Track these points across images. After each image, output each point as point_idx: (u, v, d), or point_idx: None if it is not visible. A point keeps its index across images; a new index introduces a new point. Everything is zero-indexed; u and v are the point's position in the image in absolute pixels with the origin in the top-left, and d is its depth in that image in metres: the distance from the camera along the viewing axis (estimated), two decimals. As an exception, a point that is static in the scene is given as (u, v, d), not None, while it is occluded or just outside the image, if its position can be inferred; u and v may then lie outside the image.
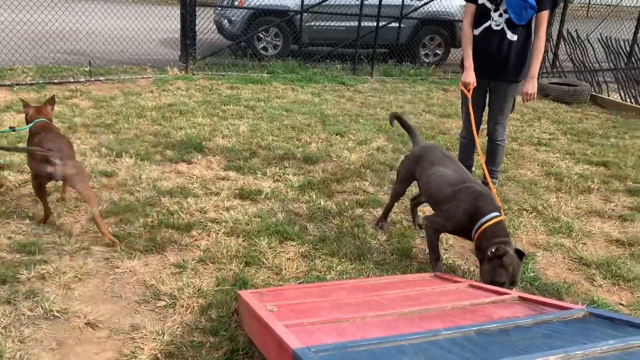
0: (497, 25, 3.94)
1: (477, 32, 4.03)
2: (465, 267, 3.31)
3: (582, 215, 4.24)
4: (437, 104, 7.91)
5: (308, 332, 1.89)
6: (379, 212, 4.01)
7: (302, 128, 6.02)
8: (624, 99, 8.78)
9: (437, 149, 3.44)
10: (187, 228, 3.54)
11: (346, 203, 4.07)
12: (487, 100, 4.28)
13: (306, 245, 3.42)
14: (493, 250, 2.74)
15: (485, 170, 3.80)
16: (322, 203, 4.06)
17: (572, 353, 1.44)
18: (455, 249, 3.56)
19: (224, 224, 3.63)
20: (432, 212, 3.29)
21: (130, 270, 3.06)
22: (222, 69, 9.21)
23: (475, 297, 2.32)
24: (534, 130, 6.72)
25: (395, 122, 4.06)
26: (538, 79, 10.22)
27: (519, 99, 4.34)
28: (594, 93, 9.10)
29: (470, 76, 4.02)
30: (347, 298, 2.43)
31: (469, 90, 4.04)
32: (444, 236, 3.66)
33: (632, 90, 8.60)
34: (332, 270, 3.12)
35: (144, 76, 8.06)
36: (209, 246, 3.35)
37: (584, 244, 3.76)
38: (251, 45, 9.95)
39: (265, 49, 10.20)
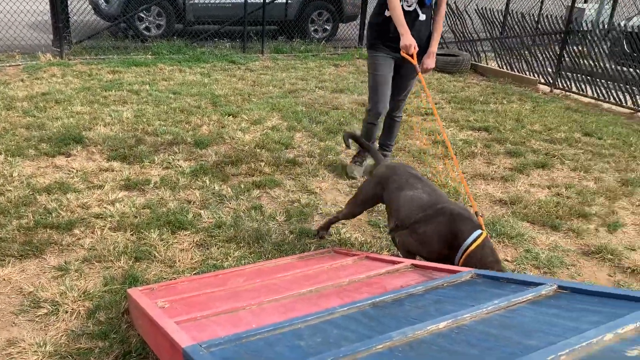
0: (409, 6, 3.83)
1: (388, 14, 3.84)
2: (362, 238, 3.35)
3: (467, 179, 4.45)
4: (329, 80, 7.94)
5: (201, 327, 1.79)
6: (276, 192, 3.95)
7: (191, 111, 5.77)
8: (500, 66, 9.35)
9: (403, 168, 3.06)
10: (68, 226, 3.26)
11: (242, 186, 3.96)
12: (393, 78, 4.07)
13: (201, 233, 3.28)
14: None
15: (465, 186, 3.39)
16: (216, 188, 3.91)
17: (460, 317, 1.47)
18: (352, 222, 3.59)
19: (109, 218, 3.39)
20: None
21: (4, 279, 2.76)
22: (101, 53, 8.60)
23: (372, 269, 2.33)
24: (421, 101, 6.96)
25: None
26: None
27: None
28: (474, 62, 9.60)
29: (410, 38, 3.71)
30: (245, 284, 2.35)
31: (412, 55, 3.72)
32: (335, 211, 3.68)
33: (507, 58, 9.17)
34: (230, 257, 3.02)
35: (12, 64, 7.34)
36: (94, 244, 3.11)
37: (470, 206, 3.95)
38: (132, 26, 9.37)
39: (147, 29, 9.65)
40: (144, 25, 9.59)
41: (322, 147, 4.91)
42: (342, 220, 3.41)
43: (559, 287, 1.64)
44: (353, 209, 3.22)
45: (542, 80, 8.58)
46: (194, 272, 2.87)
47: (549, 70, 8.53)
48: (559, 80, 8.30)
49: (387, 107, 4.13)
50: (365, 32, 4.15)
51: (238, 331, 1.66)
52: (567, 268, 3.16)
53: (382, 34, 3.95)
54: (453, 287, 1.86)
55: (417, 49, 3.72)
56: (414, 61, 3.74)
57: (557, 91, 8.22)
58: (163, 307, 2.11)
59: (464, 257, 2.47)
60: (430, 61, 3.95)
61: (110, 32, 9.30)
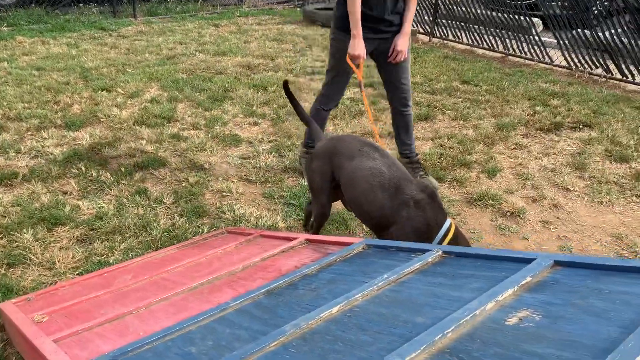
0: None
1: None
2: (257, 213, 3.28)
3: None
4: (210, 42, 7.60)
5: (83, 343, 1.64)
6: (161, 172, 3.74)
7: (59, 88, 5.27)
8: (381, 18, 9.46)
9: (351, 136, 2.71)
10: None
11: (122, 169, 3.70)
12: (383, 68, 3.48)
13: (81, 227, 3.04)
14: None
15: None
16: (94, 174, 3.62)
17: (353, 298, 1.46)
18: (246, 196, 3.49)
19: (-28, 222, 3.03)
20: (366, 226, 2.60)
21: None
22: (-56, 27, 7.58)
23: (266, 249, 2.28)
24: (307, 59, 6.88)
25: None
26: (303, 5, 10.47)
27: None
28: (355, 15, 9.63)
29: (358, 47, 3.15)
30: (133, 282, 2.20)
31: (358, 66, 3.24)
32: (233, 185, 3.57)
33: (387, 10, 9.29)
34: (115, 250, 2.82)
35: None
36: (-44, 254, 2.77)
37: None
38: (-22, -6, 8.32)
39: (-2, -4, 8.63)
40: (-7, -7, 8.56)
41: (208, 118, 4.70)
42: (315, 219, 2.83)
43: (444, 252, 1.69)
44: (318, 207, 2.72)
45: (421, 30, 8.82)
46: (77, 273, 2.65)
47: (427, 19, 8.78)
48: (436, 29, 8.57)
49: (338, 101, 3.62)
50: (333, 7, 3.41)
51: (124, 343, 1.55)
52: (453, 218, 3.32)
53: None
54: (345, 261, 1.86)
55: (364, 58, 3.22)
56: (359, 74, 3.26)
57: (435, 40, 8.50)
58: (41, 322, 1.92)
59: None
60: (401, 42, 3.29)
61: (-47, 2, 8.20)
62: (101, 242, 2.90)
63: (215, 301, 1.77)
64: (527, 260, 1.42)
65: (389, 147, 4.19)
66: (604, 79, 6.44)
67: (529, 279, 1.32)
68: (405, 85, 3.50)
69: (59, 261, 2.73)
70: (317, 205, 2.73)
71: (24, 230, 2.95)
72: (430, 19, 8.59)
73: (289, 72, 6.27)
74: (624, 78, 6.35)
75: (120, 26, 8.49)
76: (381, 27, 3.28)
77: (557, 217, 3.38)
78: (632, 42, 6.19)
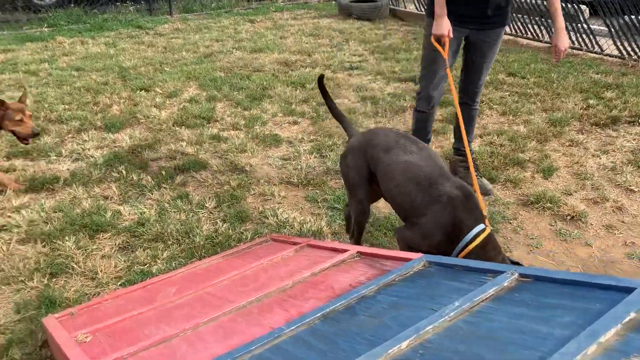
0: None
1: None
2: (301, 218, 3.15)
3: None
4: (246, 39, 7.51)
5: (129, 370, 1.54)
6: (203, 175, 3.65)
7: (98, 89, 5.26)
8: (419, 9, 9.20)
9: (386, 129, 2.59)
10: (-33, 246, 2.85)
11: (163, 172, 3.62)
12: (464, 57, 3.32)
13: (123, 234, 2.97)
14: None
15: (468, 153, 2.79)
16: (134, 178, 3.56)
17: (423, 330, 1.31)
18: (289, 199, 3.37)
19: (15, 230, 3.00)
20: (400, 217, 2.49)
21: None
22: (-13, 29, 7.70)
23: (316, 262, 2.15)
24: (345, 54, 6.71)
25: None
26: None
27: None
28: (392, 6, 9.40)
29: (442, 26, 2.96)
30: (177, 298, 2.10)
31: (443, 45, 3.00)
32: (275, 188, 3.46)
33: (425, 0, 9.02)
34: (158, 259, 2.74)
35: None
36: (0, 263, 2.73)
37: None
38: (19, -5, 8.45)
39: (38, -3, 8.75)
40: (33, -7, 8.67)
41: (248, 117, 4.60)
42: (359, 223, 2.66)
43: (521, 275, 1.52)
44: (356, 204, 2.58)
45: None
46: (120, 283, 2.58)
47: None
48: (477, 19, 8.26)
49: (442, 95, 3.38)
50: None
51: (173, 373, 1.44)
52: (510, 222, 3.12)
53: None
54: (406, 281, 1.71)
55: (450, 37, 2.98)
56: (444, 53, 2.99)
57: (477, 30, 8.20)
58: (84, 342, 1.84)
59: (460, 255, 2.16)
60: (563, 39, 3.00)
61: (-5, 5, 8.34)
62: (143, 250, 2.83)
63: (266, 323, 1.65)
64: (626, 290, 1.24)
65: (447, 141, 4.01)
66: (661, 69, 6.06)
67: (633, 314, 1.15)
68: (482, 81, 3.36)
69: (101, 271, 2.66)
70: (354, 203, 2.59)
71: (66, 237, 2.90)
72: (472, 8, 8.29)
73: (327, 68, 6.11)
74: (684, 67, 5.96)
75: (157, 24, 8.48)
76: (480, 14, 3.09)
77: (622, 221, 3.14)
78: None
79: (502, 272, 1.56)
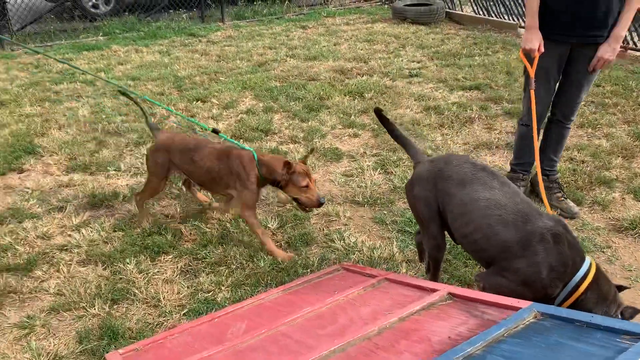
0: None
1: None
2: (370, 242, 2.94)
3: (470, 150, 4.05)
4: (299, 46, 7.36)
5: None
6: (263, 191, 3.49)
7: (155, 99, 5.20)
8: (476, 12, 8.86)
9: (459, 157, 2.28)
10: (28, 266, 2.78)
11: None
12: (564, 70, 3.02)
13: (185, 257, 2.84)
14: (624, 317, 1.93)
15: (538, 167, 2.70)
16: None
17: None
18: (355, 220, 3.17)
19: (76, 250, 2.91)
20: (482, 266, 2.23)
21: (-45, 348, 2.30)
22: (47, 39, 7.84)
23: (401, 303, 1.94)
24: (402, 60, 6.47)
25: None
26: (392, 1, 10.02)
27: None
28: (448, 10, 9.08)
29: (532, 39, 2.80)
30: (249, 337, 1.93)
31: (532, 60, 2.84)
32: (340, 208, 3.26)
33: (483, 2, 8.67)
34: (222, 285, 2.59)
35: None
36: (61, 286, 2.64)
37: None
38: (78, 4, 8.57)
39: (95, 6, 8.88)
40: (90, 2, 8.79)
41: (306, 129, 4.43)
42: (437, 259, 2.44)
43: (670, 342, 1.27)
44: (429, 239, 2.35)
45: (523, 24, 8.12)
46: (184, 312, 2.44)
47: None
48: (540, 22, 7.86)
49: (547, 109, 3.15)
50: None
51: None
52: (603, 252, 2.82)
53: (542, 10, 2.83)
54: (519, 338, 1.47)
55: (541, 52, 2.82)
56: (531, 70, 2.82)
57: (540, 34, 7.80)
58: (152, 388, 1.69)
59: (577, 295, 1.92)
60: (610, 49, 2.78)
61: (55, 14, 8.49)
62: (206, 275, 2.68)
63: (358, 383, 1.45)
64: None
65: (502, 158, 3.73)
66: None
67: None
68: (580, 99, 3.07)
69: (164, 298, 2.53)
70: (427, 239, 2.36)
71: (127, 259, 2.79)
72: (534, 11, 7.89)
73: (385, 75, 5.89)
74: None
75: (209, 31, 8.46)
76: (584, 27, 2.82)
77: None
78: None
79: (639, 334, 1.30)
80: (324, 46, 7.28)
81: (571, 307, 1.95)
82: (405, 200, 3.26)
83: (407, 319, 1.79)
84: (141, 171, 3.79)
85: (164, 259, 2.83)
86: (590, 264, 1.97)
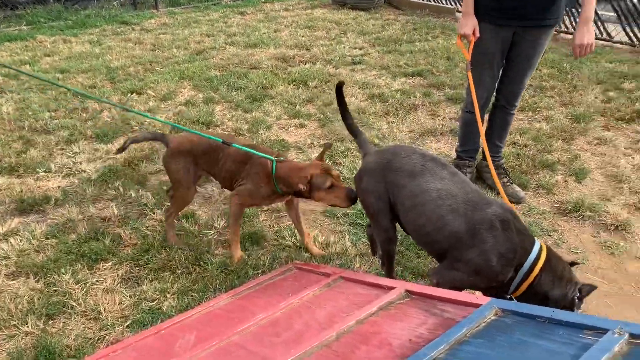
0: None
1: None
2: (322, 238, 2.86)
3: (416, 137, 4.04)
4: (239, 33, 7.15)
5: None
6: (208, 188, 3.34)
7: (87, 94, 4.89)
8: (415, -3, 8.89)
9: (408, 150, 2.22)
10: (-50, 283, 2.53)
11: (164, 187, 3.31)
12: (507, 56, 3.00)
13: (125, 263, 2.66)
14: (582, 294, 1.93)
15: (487, 154, 2.60)
16: (133, 195, 3.25)
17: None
18: (305, 216, 3.08)
19: (4, 261, 2.68)
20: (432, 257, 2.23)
21: None
22: (-38, 29, 7.26)
23: (357, 303, 1.87)
24: (344, 47, 6.40)
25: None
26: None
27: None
28: (387, -5, 9.07)
29: (467, 24, 2.79)
30: (199, 350, 1.81)
31: (468, 45, 2.83)
32: (282, 205, 3.16)
33: (421, -12, 8.71)
34: (168, 293, 2.44)
35: None
36: (-12, 303, 2.42)
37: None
38: (-5, -8, 7.99)
39: (15, -7, 8.28)
40: (10, -10, 8.20)
41: (250, 121, 4.29)
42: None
43: (632, 335, 1.25)
44: (379, 232, 2.30)
45: (460, 8, 8.22)
46: (127, 325, 2.28)
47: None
48: (477, 7, 7.98)
49: (492, 95, 3.13)
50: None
51: None
52: (550, 235, 2.87)
53: None
54: (482, 338, 1.43)
55: (476, 36, 2.81)
56: (467, 54, 2.79)
57: (477, 18, 7.92)
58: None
59: (530, 280, 1.91)
60: (586, 34, 2.69)
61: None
62: (150, 282, 2.52)
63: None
64: None
65: (447, 145, 3.74)
66: (673, 55, 5.85)
67: None
68: (524, 84, 3.08)
69: (104, 309, 2.36)
70: (378, 232, 2.31)
71: (62, 269, 2.59)
72: (471, -5, 7.99)
73: (328, 63, 5.80)
74: (697, 53, 5.75)
75: (143, 19, 8.08)
76: (527, 11, 2.79)
77: (670, 230, 2.90)
78: None
79: (605, 331, 1.29)
80: (264, 33, 7.10)
81: (527, 291, 1.96)
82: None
83: (365, 321, 1.72)
84: (74, 171, 3.54)
85: (102, 266, 2.65)
86: (541, 247, 1.98)
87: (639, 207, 3.08)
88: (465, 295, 1.69)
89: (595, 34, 6.55)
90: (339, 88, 2.52)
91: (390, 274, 2.39)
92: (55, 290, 2.47)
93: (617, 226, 2.89)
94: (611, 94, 4.65)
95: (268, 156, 2.51)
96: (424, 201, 2.04)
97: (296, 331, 1.78)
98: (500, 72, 3.05)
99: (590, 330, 1.32)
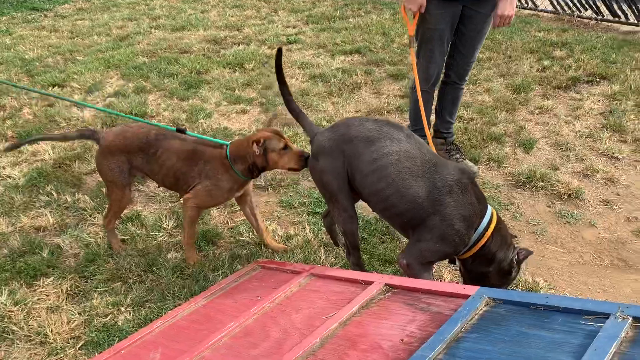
0: None
1: None
2: (282, 231, 2.73)
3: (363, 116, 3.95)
4: (163, 15, 6.77)
5: None
6: (151, 187, 3.11)
7: (1, 89, 4.45)
8: (342, -28, 8.74)
9: (360, 119, 2.14)
10: None
11: (103, 189, 3.05)
12: (456, 30, 2.92)
13: (70, 276, 2.42)
14: (519, 258, 2.06)
15: (428, 135, 2.60)
16: (69, 199, 2.97)
17: None
18: (261, 208, 2.93)
19: None
20: (399, 233, 2.20)
21: None
22: None
23: (335, 302, 1.77)
24: (277, 26, 6.19)
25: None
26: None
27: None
28: (314, -29, 8.87)
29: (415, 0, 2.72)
30: (168, 370, 1.65)
31: (413, 18, 2.77)
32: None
33: (349, -38, 8.56)
34: (121, 306, 2.24)
35: None
36: None
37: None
38: None
39: None
40: None
41: (187, 109, 4.04)
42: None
43: (635, 319, 1.22)
44: (344, 212, 2.17)
45: (389, -18, 8.18)
46: (80, 346, 2.07)
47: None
48: (405, -20, 7.95)
49: (442, 71, 3.06)
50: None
51: None
52: (507, 209, 2.88)
53: None
54: (477, 332, 1.37)
55: (421, 11, 2.74)
56: (411, 29, 2.74)
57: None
58: None
59: (479, 244, 1.98)
60: (507, 6, 2.71)
61: None
62: (100, 296, 2.31)
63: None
64: None
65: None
66: (594, 22, 6.07)
67: None
68: (474, 58, 3.04)
69: (51, 331, 2.13)
70: (338, 212, 2.19)
71: (-4, 290, 2.32)
72: (399, -31, 7.95)
73: (262, 43, 5.59)
74: (616, 19, 5.99)
75: (55, 4, 7.49)
76: None
77: (617, 194, 2.99)
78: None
79: (606, 315, 1.25)
80: (191, 14, 6.75)
81: (477, 252, 2.02)
82: (310, 179, 3.09)
83: (348, 323, 1.62)
84: (-3, 178, 3.20)
85: (43, 282, 2.40)
86: (492, 211, 2.04)
87: (587, 174, 3.15)
88: (450, 286, 1.63)
89: (522, 2, 6.73)
90: (279, 56, 2.30)
91: (358, 261, 2.31)
92: (-8, 315, 2.21)
93: (569, 195, 2.95)
94: (545, 62, 4.75)
95: (222, 141, 2.34)
96: (384, 165, 1.99)
97: (275, 340, 1.66)
98: (449, 48, 3.00)
99: (590, 315, 1.29)
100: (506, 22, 2.77)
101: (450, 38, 2.93)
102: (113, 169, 2.38)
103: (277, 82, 2.34)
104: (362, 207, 2.71)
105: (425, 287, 1.67)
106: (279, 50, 2.29)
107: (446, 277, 2.41)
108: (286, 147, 2.26)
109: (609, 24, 6.01)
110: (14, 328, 2.15)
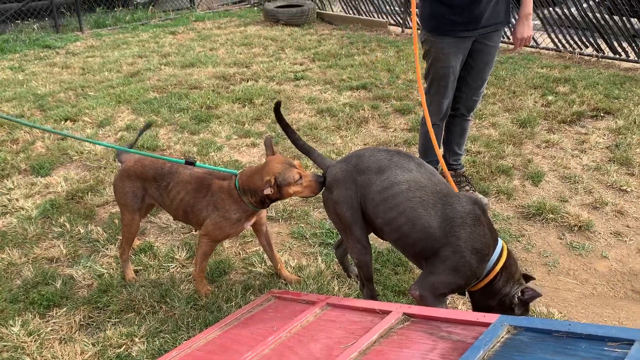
0: None
1: None
2: (294, 262, 2.74)
3: (371, 150, 4.00)
4: (173, 53, 6.92)
5: None
6: (162, 218, 3.13)
7: (13, 123, 4.53)
8: (346, 11, 8.98)
9: (372, 149, 2.16)
10: None
11: (116, 220, 3.07)
12: (467, 66, 3.00)
13: (82, 307, 2.42)
14: (524, 297, 1.99)
15: (445, 167, 2.63)
16: (81, 231, 2.99)
17: None
18: (273, 239, 2.94)
19: (-62, 319, 2.36)
20: (412, 260, 2.17)
21: None
22: None
23: (353, 331, 1.76)
24: (284, 63, 6.32)
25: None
26: (263, 3, 9.85)
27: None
28: (319, 10, 9.11)
29: None
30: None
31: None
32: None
33: (352, 1, 8.80)
34: (135, 337, 2.23)
35: None
36: None
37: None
38: None
39: None
40: None
41: (199, 143, 4.10)
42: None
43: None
44: (357, 244, 2.17)
45: (392, 22, 8.39)
46: (94, 378, 2.06)
47: (397, 9, 8.35)
48: (408, 20, 8.16)
49: (451, 103, 3.10)
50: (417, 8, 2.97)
51: None
52: (518, 241, 2.88)
53: (441, 9, 2.80)
54: (501, 360, 1.37)
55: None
56: (419, 79, 2.80)
57: (409, 31, 8.09)
58: None
59: (488, 278, 1.98)
60: (526, 27, 2.86)
61: None
62: (113, 327, 2.30)
63: None
64: None
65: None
66: (595, 59, 6.19)
67: None
68: (482, 90, 3.11)
69: (65, 362, 2.12)
70: (353, 244, 2.19)
71: (10, 321, 2.31)
72: (402, 9, 8.17)
73: (270, 79, 5.70)
74: (617, 56, 6.12)
75: (67, 42, 7.66)
76: (486, 19, 2.81)
77: (627, 226, 3.00)
78: (624, 18, 5.96)
79: (631, 342, 1.25)
80: (200, 52, 6.90)
81: (485, 286, 2.01)
82: (321, 209, 3.12)
83: (368, 352, 1.62)
84: (10, 209, 3.23)
85: (56, 313, 2.39)
86: (502, 245, 2.04)
87: (596, 206, 3.17)
88: (470, 314, 1.63)
89: (523, 41, 6.87)
90: (277, 109, 2.37)
91: (372, 292, 2.30)
92: (5, 346, 2.20)
93: (580, 227, 2.96)
94: (549, 98, 4.83)
95: (232, 171, 2.36)
96: (394, 193, 2.00)
97: (294, 371, 1.65)
98: (457, 82, 3.06)
99: (614, 341, 1.29)
100: (527, 43, 2.94)
101: (459, 72, 2.99)
102: (127, 192, 2.42)
103: (282, 128, 2.38)
104: (374, 239, 2.71)
105: (445, 315, 1.66)
106: (277, 104, 2.35)
107: (461, 307, 2.40)
108: (300, 176, 2.21)
109: (610, 61, 6.13)
110: (27, 359, 2.14)
